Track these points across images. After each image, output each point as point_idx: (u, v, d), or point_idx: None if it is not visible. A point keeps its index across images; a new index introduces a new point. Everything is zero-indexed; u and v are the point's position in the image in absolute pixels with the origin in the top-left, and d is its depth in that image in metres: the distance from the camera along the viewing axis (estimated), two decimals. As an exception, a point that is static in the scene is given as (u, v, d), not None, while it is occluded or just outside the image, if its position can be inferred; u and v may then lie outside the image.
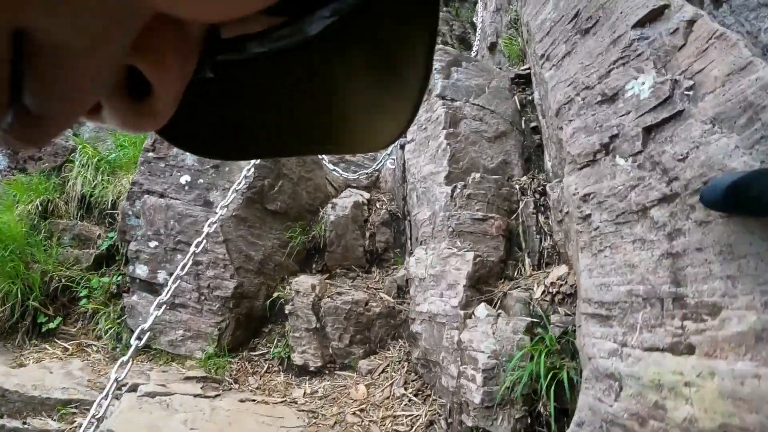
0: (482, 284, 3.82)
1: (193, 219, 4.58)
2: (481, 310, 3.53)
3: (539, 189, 4.34)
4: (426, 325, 4.08)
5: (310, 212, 5.16)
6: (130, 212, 4.78)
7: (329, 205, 5.26)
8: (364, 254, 5.25)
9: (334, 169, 5.30)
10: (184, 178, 4.71)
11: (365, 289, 4.97)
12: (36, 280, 4.89)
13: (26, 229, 5.17)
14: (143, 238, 4.67)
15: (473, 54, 7.24)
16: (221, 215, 3.99)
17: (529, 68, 5.31)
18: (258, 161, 4.61)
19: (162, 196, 4.71)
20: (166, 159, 4.80)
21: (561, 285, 3.35)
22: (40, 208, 5.32)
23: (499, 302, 3.67)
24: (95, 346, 4.90)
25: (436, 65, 4.93)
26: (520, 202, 4.24)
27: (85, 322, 5.07)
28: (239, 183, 4.23)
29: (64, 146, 5.87)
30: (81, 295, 4.99)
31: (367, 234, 5.32)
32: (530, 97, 5.09)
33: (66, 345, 4.88)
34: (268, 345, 4.79)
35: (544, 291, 3.43)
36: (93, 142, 6.05)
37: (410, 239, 4.96)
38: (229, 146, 0.49)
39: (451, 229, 4.06)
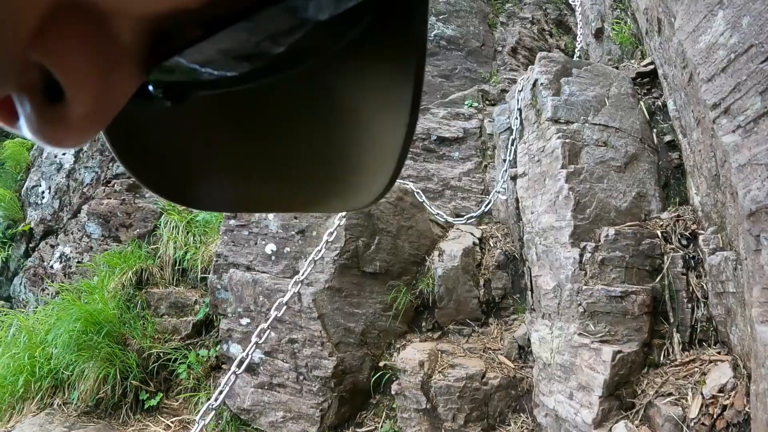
0: (622, 387, 3.06)
1: (283, 294, 4.09)
2: (621, 430, 2.78)
3: (686, 234, 3.47)
4: (552, 422, 3.40)
5: (415, 264, 4.55)
6: (218, 286, 4.41)
7: (436, 253, 4.62)
8: (479, 305, 4.59)
9: (437, 214, 4.65)
10: (270, 248, 4.24)
11: (482, 352, 4.31)
12: (134, 360, 4.65)
13: (122, 301, 4.96)
14: (234, 315, 4.27)
15: (578, 45, 6.29)
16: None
17: (651, 63, 4.42)
18: (347, 220, 4.07)
19: (248, 269, 4.29)
20: (248, 226, 4.36)
21: (725, 404, 2.52)
22: (134, 279, 5.09)
23: (642, 412, 2.90)
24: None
25: (542, 79, 4.14)
26: (665, 257, 3.40)
27: (186, 395, 4.81)
28: (318, 251, 3.72)
29: (153, 210, 5.63)
30: (180, 371, 4.71)
31: (481, 281, 4.64)
32: (659, 102, 4.20)
33: (168, 422, 4.64)
34: (376, 420, 4.27)
35: (701, 407, 2.61)
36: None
37: (531, 290, 4.24)
38: (193, 191, 0.48)
39: (582, 309, 3.32)
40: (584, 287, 3.37)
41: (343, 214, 3.95)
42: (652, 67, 4.37)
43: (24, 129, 0.34)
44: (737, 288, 2.76)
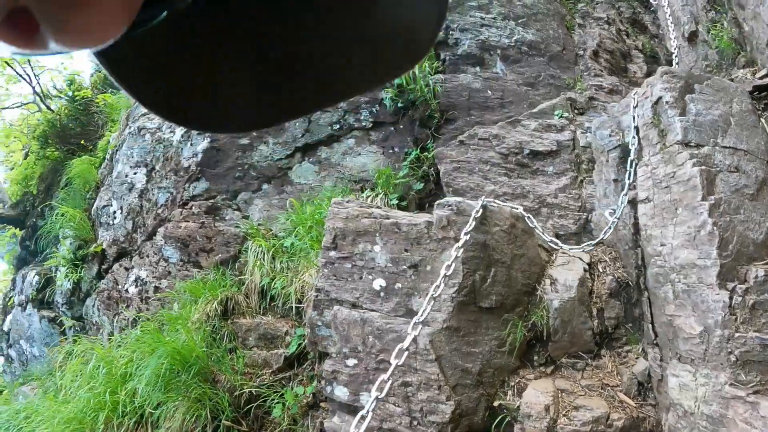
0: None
1: (396, 335, 3.85)
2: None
3: None
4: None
5: (526, 294, 4.26)
6: (319, 322, 4.16)
7: (547, 281, 4.33)
8: (592, 337, 4.30)
9: (551, 240, 4.35)
10: (378, 283, 3.99)
11: (600, 390, 4.04)
12: (225, 400, 4.43)
13: (207, 334, 4.74)
14: (339, 355, 4.03)
15: (673, 50, 5.92)
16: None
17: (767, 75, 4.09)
18: (464, 253, 3.79)
19: (354, 306, 4.03)
20: (351, 259, 4.10)
21: None
22: (219, 309, 4.87)
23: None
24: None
25: (667, 97, 3.83)
26: None
27: (286, 435, 4.59)
28: (437, 287, 3.46)
29: (235, 234, 5.41)
30: (275, 410, 4.48)
31: (594, 310, 4.35)
32: (780, 120, 3.88)
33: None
34: (492, 463, 4.03)
35: None
36: (264, 222, 5.53)
37: (652, 323, 3.95)
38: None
39: (734, 358, 3.06)
40: (736, 334, 3.11)
41: (460, 245, 3.69)
42: (769, 80, 4.07)
43: (47, 37, 0.32)
44: None
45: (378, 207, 4.38)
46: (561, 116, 5.69)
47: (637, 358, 4.19)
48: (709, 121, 3.72)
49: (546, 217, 5.19)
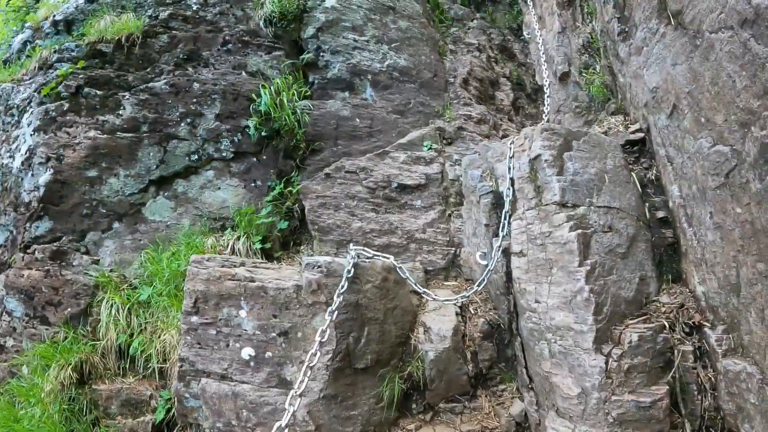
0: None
1: (272, 407, 3.64)
2: None
3: (690, 322, 3.41)
4: None
5: (400, 344, 4.19)
6: (187, 394, 3.86)
7: (421, 330, 4.28)
8: (468, 380, 4.32)
9: (424, 292, 4.26)
10: (247, 352, 3.73)
11: (480, 432, 4.08)
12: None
13: (65, 406, 4.26)
14: (212, 430, 3.75)
15: (546, 89, 6.00)
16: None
17: (640, 129, 4.23)
18: (336, 316, 3.60)
19: (223, 378, 3.76)
20: (216, 325, 3.81)
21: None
22: (75, 377, 4.39)
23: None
24: None
25: (546, 155, 3.83)
26: (675, 351, 3.34)
27: None
28: (314, 355, 3.24)
29: (84, 284, 4.89)
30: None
31: (468, 354, 4.35)
32: (650, 175, 4.02)
33: None
34: None
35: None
36: (116, 268, 5.03)
37: (526, 368, 4.02)
38: None
39: (611, 419, 3.18)
40: (613, 397, 3.21)
41: (333, 308, 3.51)
42: (641, 135, 4.18)
43: None
44: (762, 402, 2.81)
45: (242, 265, 4.09)
46: (430, 148, 5.64)
47: (513, 398, 4.25)
48: (585, 180, 3.73)
49: (414, 253, 5.14)
